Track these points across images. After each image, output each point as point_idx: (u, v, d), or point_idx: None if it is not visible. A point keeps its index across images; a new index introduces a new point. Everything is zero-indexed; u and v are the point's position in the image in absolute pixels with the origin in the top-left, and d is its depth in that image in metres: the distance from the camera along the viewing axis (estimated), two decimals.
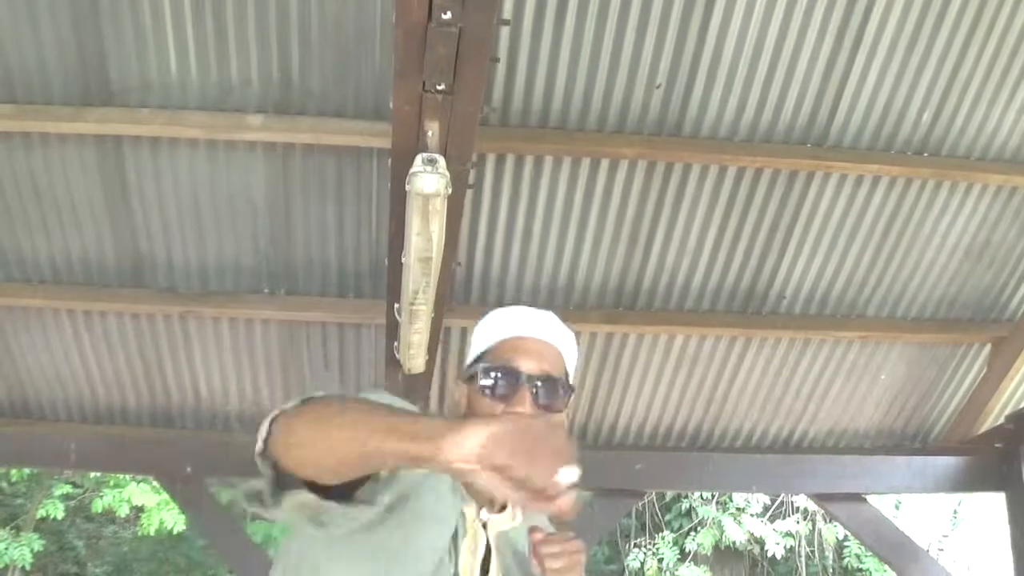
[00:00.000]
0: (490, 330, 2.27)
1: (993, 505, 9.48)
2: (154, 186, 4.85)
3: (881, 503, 7.83)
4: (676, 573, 13.25)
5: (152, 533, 12.15)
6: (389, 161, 3.73)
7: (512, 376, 2.13)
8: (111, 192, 4.87)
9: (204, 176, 4.83)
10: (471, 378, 2.20)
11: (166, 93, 4.48)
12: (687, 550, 13.57)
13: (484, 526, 2.15)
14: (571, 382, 2.24)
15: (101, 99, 4.48)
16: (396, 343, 4.58)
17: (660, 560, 13.26)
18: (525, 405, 2.09)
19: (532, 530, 2.13)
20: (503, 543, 2.19)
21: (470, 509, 2.13)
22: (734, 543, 13.28)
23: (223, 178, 4.84)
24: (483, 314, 2.35)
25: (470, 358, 2.28)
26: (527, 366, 2.14)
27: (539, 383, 2.13)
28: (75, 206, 4.93)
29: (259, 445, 1.72)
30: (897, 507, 12.53)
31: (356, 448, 1.58)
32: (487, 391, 2.14)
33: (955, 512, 12.97)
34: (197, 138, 4.66)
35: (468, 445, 1.46)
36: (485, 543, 2.14)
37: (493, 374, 2.14)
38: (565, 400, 2.18)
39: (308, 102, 4.54)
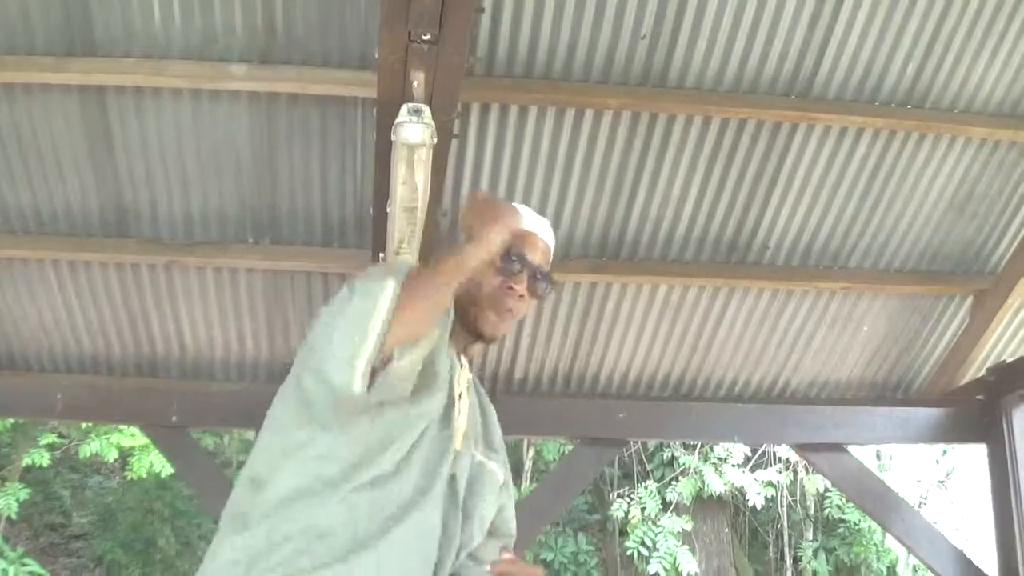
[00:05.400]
0: None
1: (975, 457, 9.57)
2: (138, 136, 4.83)
3: (863, 454, 7.89)
4: (659, 522, 13.30)
5: (144, 475, 12.13)
6: (374, 111, 3.72)
7: (522, 263, 2.59)
8: (95, 142, 4.85)
9: (188, 126, 4.81)
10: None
11: (150, 42, 4.45)
12: (668, 500, 13.63)
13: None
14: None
15: (84, 49, 4.45)
16: None
17: (643, 509, 13.30)
18: (523, 285, 2.58)
19: (502, 549, 2.51)
20: (471, 390, 2.67)
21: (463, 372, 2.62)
22: (715, 493, 13.32)
23: (207, 128, 4.82)
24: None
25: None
26: (533, 257, 2.62)
27: (539, 272, 2.61)
28: (58, 156, 4.91)
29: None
30: (879, 458, 12.62)
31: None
32: (499, 266, 2.58)
33: (936, 462, 13.04)
34: (181, 88, 4.64)
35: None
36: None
37: (509, 256, 2.56)
38: (550, 288, 2.69)
39: (292, 51, 4.52)
